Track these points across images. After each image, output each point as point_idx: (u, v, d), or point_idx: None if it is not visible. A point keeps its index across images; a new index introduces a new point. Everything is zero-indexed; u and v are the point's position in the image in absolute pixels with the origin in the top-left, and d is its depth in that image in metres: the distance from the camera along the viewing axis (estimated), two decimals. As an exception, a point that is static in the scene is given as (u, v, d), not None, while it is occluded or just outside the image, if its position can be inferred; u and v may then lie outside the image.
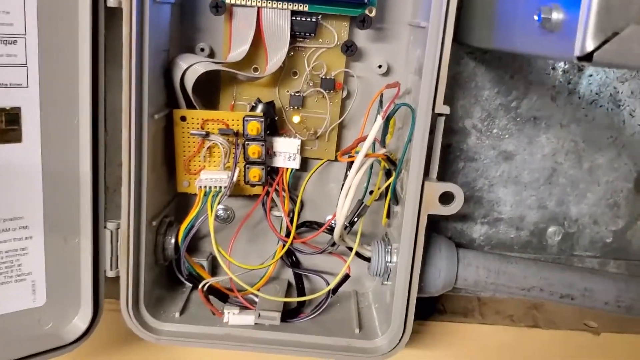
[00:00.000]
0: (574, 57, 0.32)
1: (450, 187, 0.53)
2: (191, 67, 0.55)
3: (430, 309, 0.70)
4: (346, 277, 0.59)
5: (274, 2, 0.55)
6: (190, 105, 0.58)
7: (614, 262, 0.67)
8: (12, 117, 0.49)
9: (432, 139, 0.52)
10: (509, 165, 0.64)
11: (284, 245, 0.60)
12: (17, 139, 0.50)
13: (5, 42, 0.47)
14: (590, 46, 0.32)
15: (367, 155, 0.53)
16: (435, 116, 0.52)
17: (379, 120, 0.52)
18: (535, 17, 0.36)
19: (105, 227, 0.55)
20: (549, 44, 0.35)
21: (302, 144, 0.61)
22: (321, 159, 0.62)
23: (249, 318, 0.58)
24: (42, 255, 0.53)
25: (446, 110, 0.51)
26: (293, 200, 0.63)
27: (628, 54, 0.32)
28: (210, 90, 0.60)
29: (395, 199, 0.57)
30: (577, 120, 0.62)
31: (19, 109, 0.49)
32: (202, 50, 0.60)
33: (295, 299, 0.61)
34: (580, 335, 0.69)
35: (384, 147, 0.56)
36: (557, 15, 0.35)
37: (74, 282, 0.55)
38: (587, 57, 0.32)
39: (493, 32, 0.48)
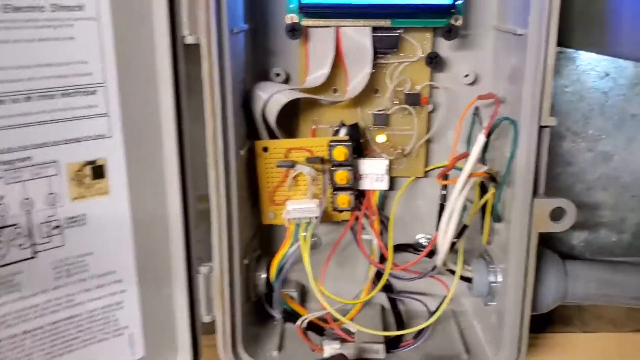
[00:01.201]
0: None
1: (560, 202, 0.50)
2: (272, 97, 0.52)
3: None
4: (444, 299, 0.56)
5: (354, 20, 0.52)
6: (271, 136, 0.55)
7: None
8: (99, 170, 0.47)
9: (537, 153, 0.49)
10: (607, 166, 0.60)
11: (379, 273, 0.57)
12: (104, 191, 0.47)
13: (85, 92, 0.45)
14: None
15: (470, 176, 0.49)
16: (540, 129, 0.48)
17: (481, 138, 0.49)
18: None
19: (198, 272, 0.53)
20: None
21: (390, 164, 0.57)
22: (409, 177, 0.59)
23: (352, 352, 0.55)
24: (137, 308, 0.51)
25: (553, 122, 0.48)
26: (382, 222, 0.60)
27: None
28: (288, 116, 0.56)
29: (497, 217, 0.54)
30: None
31: (104, 161, 0.47)
32: (278, 75, 0.57)
33: (398, 332, 0.57)
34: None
35: (484, 164, 0.53)
36: None
37: (171, 331, 0.53)
38: None
39: (605, 37, 0.44)
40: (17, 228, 0.44)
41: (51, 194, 0.45)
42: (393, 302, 0.62)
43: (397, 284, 0.62)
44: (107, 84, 0.46)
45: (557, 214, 0.50)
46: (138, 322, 0.52)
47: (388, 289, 0.62)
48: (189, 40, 0.47)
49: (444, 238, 0.51)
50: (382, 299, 0.63)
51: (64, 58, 0.43)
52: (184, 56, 0.48)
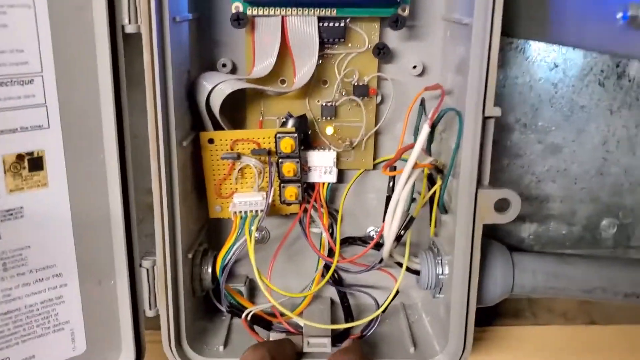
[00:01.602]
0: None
1: (505, 193, 0.50)
2: (216, 87, 0.51)
3: (480, 314, 0.66)
4: (396, 293, 0.56)
5: (299, 8, 0.51)
6: (217, 127, 0.54)
7: (674, 252, 0.64)
8: (36, 161, 0.46)
9: (482, 144, 0.49)
10: (556, 158, 0.60)
11: (328, 266, 0.57)
12: (43, 184, 0.46)
13: (21, 82, 0.44)
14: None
15: (414, 166, 0.49)
16: (484, 119, 0.48)
17: (426, 129, 0.49)
18: (619, 15, 0.32)
19: (140, 266, 0.52)
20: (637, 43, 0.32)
21: (338, 156, 0.57)
22: (358, 169, 0.59)
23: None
24: (78, 302, 0.50)
25: (497, 112, 0.48)
26: (331, 215, 0.59)
27: None
28: (235, 107, 0.56)
29: (444, 208, 0.54)
30: (628, 104, 0.58)
31: (42, 152, 0.46)
32: (224, 66, 0.56)
33: (345, 325, 0.57)
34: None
35: (430, 155, 0.52)
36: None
37: (114, 326, 0.52)
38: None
39: (549, 25, 0.44)
40: (-52, 220, 0.43)
41: (-15, 185, 0.44)
42: (343, 295, 0.62)
43: (348, 278, 0.62)
44: (44, 73, 0.45)
45: (502, 205, 0.50)
46: (79, 317, 0.51)
47: (338, 282, 0.62)
48: (129, 29, 0.46)
49: (390, 230, 0.51)
50: (333, 292, 0.63)
51: (-4, 46, 0.42)
52: (125, 46, 0.47)
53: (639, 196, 0.61)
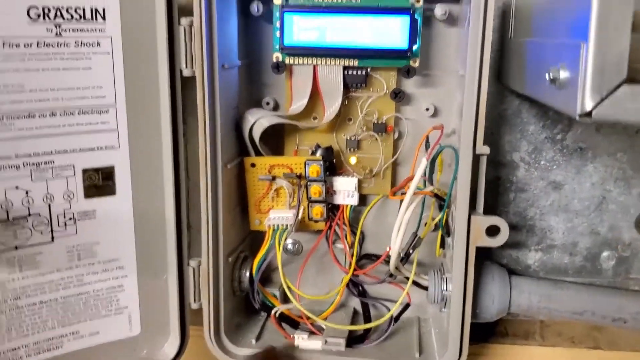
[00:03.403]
0: (576, 115, 0.36)
1: (495, 220, 0.58)
2: (257, 121, 0.62)
3: (492, 332, 0.73)
4: (407, 305, 0.64)
5: (327, 59, 0.62)
6: (258, 153, 0.65)
7: (669, 285, 0.69)
8: (107, 175, 0.58)
9: (475, 177, 0.57)
10: (558, 194, 0.67)
11: (352, 279, 0.66)
12: (112, 192, 0.58)
13: (99, 111, 0.56)
14: (589, 105, 0.36)
15: (415, 193, 0.58)
16: (476, 156, 0.56)
17: (424, 162, 0.58)
18: (546, 76, 0.40)
19: (188, 265, 0.63)
20: (558, 99, 0.40)
21: (360, 182, 0.66)
22: (377, 195, 0.68)
23: (316, 343, 0.64)
24: (135, 291, 0.62)
25: (486, 150, 0.56)
26: (354, 234, 0.68)
27: (624, 111, 0.36)
28: (276, 138, 0.67)
29: (447, 231, 0.62)
30: (624, 148, 0.65)
31: (112, 167, 0.58)
32: (268, 104, 0.67)
33: (358, 327, 0.66)
34: (642, 356, 0.71)
35: (432, 184, 0.61)
36: (563, 75, 0.39)
37: (164, 314, 0.63)
38: (587, 115, 0.36)
39: (524, 79, 0.52)
40: (40, 217, 0.55)
41: (68, 191, 0.56)
42: (365, 306, 0.71)
43: (371, 291, 0.71)
44: (117, 105, 0.57)
45: (492, 231, 0.58)
46: (136, 304, 0.62)
47: (362, 294, 0.71)
48: (186, 72, 0.58)
49: (394, 246, 0.59)
50: (357, 303, 0.71)
51: (82, 83, 0.55)
52: (182, 85, 0.59)
53: (636, 232, 0.67)
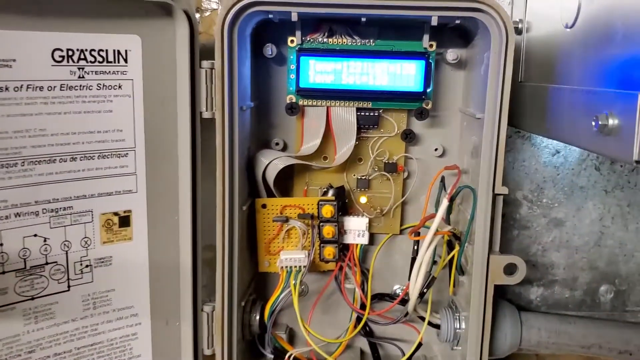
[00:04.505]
0: (632, 162, 0.38)
1: (513, 259, 0.59)
2: (272, 163, 0.62)
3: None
4: (419, 345, 0.64)
5: (341, 101, 0.62)
6: (269, 194, 0.64)
7: (665, 316, 0.72)
8: (125, 220, 0.56)
9: (492, 216, 0.58)
10: (559, 231, 0.69)
11: (360, 318, 0.66)
12: (129, 238, 0.57)
13: (119, 155, 0.55)
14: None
15: (435, 233, 0.59)
16: (494, 196, 0.58)
17: (445, 202, 0.59)
18: (593, 123, 0.42)
19: (202, 310, 0.61)
20: (607, 146, 0.41)
21: (370, 221, 0.67)
22: (387, 234, 0.68)
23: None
24: (149, 339, 0.60)
25: (505, 191, 0.57)
26: (363, 273, 0.69)
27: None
28: (284, 178, 0.66)
29: (461, 270, 0.63)
30: (621, 186, 0.68)
31: (130, 212, 0.56)
32: (277, 144, 0.67)
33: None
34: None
35: (449, 223, 0.62)
36: (612, 122, 0.40)
37: (177, 361, 0.61)
38: (643, 161, 0.38)
39: (545, 123, 0.54)
40: (57, 265, 0.53)
41: (85, 237, 0.54)
42: (373, 346, 0.70)
43: (377, 330, 0.71)
44: (136, 149, 0.56)
45: (510, 269, 0.59)
46: (149, 352, 0.60)
47: (370, 334, 0.71)
48: (206, 115, 0.58)
49: (414, 287, 0.60)
50: (364, 343, 0.71)
51: (103, 127, 0.54)
52: (202, 128, 0.58)
53: (632, 266, 0.70)
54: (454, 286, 0.65)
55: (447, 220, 0.62)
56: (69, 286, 0.54)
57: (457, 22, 0.57)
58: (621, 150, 0.39)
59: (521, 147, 0.68)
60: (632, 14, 0.40)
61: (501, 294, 0.71)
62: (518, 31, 0.62)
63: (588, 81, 0.47)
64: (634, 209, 0.69)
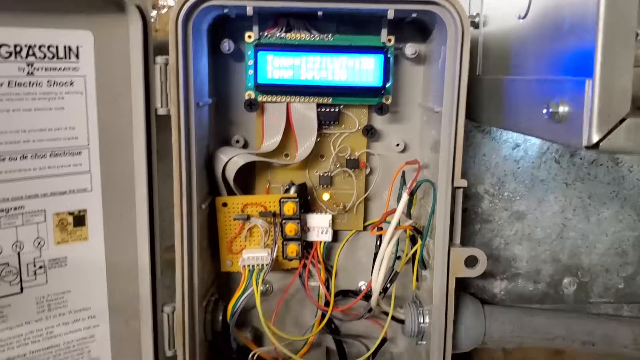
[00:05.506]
0: (582, 147, 0.38)
1: (473, 251, 0.59)
2: (231, 160, 0.61)
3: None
4: (384, 340, 0.64)
5: (301, 97, 0.62)
6: (229, 192, 0.64)
7: (627, 307, 0.72)
8: (79, 219, 0.55)
9: (452, 209, 0.58)
10: (521, 224, 0.70)
11: (324, 315, 0.65)
12: (84, 237, 0.55)
13: (72, 153, 0.54)
14: (595, 137, 0.37)
15: (396, 228, 0.59)
16: (454, 189, 0.58)
17: (405, 196, 0.58)
18: (544, 111, 0.42)
19: (162, 311, 0.60)
20: (558, 133, 0.41)
21: (333, 218, 0.66)
22: (350, 230, 0.68)
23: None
24: (108, 341, 0.58)
25: (464, 183, 0.57)
26: (327, 270, 0.68)
27: (631, 142, 0.37)
28: (246, 176, 0.66)
29: (423, 264, 0.63)
30: (581, 178, 0.68)
31: (85, 211, 0.55)
32: (238, 142, 0.66)
33: (338, 365, 0.65)
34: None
35: (410, 218, 0.62)
36: (563, 109, 0.41)
37: (137, 363, 0.60)
38: (594, 146, 0.38)
39: (502, 115, 0.54)
40: (8, 267, 0.52)
41: (39, 238, 0.53)
42: (339, 343, 0.70)
43: (343, 328, 0.70)
44: (90, 146, 0.55)
45: (471, 262, 0.59)
46: (108, 354, 0.59)
47: (335, 331, 0.70)
48: (161, 111, 0.57)
49: (376, 282, 0.59)
50: (328, 340, 0.71)
51: (55, 124, 0.52)
52: (156, 124, 0.57)
53: (594, 257, 0.70)
54: (417, 280, 0.65)
55: (408, 214, 0.62)
56: (21, 288, 0.53)
57: (414, 15, 0.57)
58: (571, 136, 0.39)
59: (481, 142, 0.68)
60: (577, 2, 0.40)
61: (464, 288, 0.71)
62: (475, 25, 0.62)
63: (541, 71, 0.47)
64: (594, 201, 0.69)
